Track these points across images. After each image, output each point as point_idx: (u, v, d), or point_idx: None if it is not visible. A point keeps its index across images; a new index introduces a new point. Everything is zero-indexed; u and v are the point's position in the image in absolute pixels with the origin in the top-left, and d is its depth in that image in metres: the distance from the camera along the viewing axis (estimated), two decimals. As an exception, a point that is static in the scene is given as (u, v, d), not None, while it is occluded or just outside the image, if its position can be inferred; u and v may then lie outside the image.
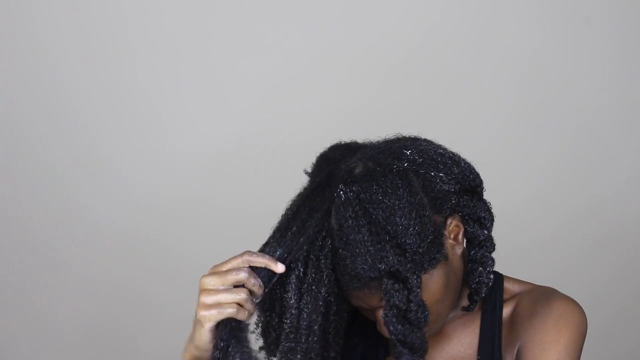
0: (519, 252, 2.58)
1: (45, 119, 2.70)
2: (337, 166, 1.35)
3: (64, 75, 2.69)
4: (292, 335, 1.31)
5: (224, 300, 1.28)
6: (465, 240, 1.40)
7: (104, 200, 2.72)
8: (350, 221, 1.28)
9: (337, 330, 1.34)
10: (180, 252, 2.73)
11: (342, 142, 1.41)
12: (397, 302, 1.28)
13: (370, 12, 2.76)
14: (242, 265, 1.29)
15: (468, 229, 1.38)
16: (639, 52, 2.82)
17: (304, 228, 1.31)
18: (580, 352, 1.38)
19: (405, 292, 1.28)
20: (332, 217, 1.30)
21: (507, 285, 1.46)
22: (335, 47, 2.75)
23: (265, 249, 1.32)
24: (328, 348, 1.33)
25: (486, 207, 1.40)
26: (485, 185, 1.41)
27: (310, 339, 1.30)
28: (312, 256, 1.30)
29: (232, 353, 1.28)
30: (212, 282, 1.29)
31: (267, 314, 1.34)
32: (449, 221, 1.36)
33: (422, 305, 1.29)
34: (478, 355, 1.43)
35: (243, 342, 1.30)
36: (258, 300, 1.31)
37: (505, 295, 1.45)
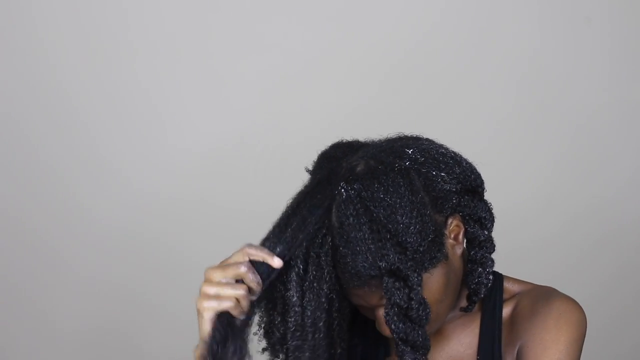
0: (518, 252, 2.58)
1: (44, 119, 2.70)
2: (339, 164, 1.35)
3: (63, 74, 2.69)
4: (298, 334, 1.31)
5: (223, 293, 1.29)
6: (465, 241, 1.40)
7: (104, 200, 2.72)
8: (351, 219, 1.28)
9: (341, 326, 1.34)
10: (180, 251, 2.73)
11: (344, 141, 1.41)
12: (398, 300, 1.28)
13: (370, 12, 2.76)
14: (242, 260, 1.30)
15: (468, 229, 1.39)
16: (639, 52, 2.82)
17: (304, 225, 1.31)
18: (581, 351, 1.38)
19: (406, 290, 1.28)
20: (333, 215, 1.30)
21: (507, 285, 1.47)
22: (335, 47, 2.75)
23: (264, 244, 1.32)
24: (334, 344, 1.33)
25: (487, 208, 1.40)
26: (485, 185, 1.41)
27: (316, 335, 1.30)
28: (312, 253, 1.31)
29: (228, 345, 1.28)
30: (214, 273, 1.30)
31: (270, 313, 1.34)
32: (449, 221, 1.36)
33: (423, 303, 1.29)
34: (478, 355, 1.43)
35: (239, 335, 1.30)
36: (254, 299, 1.31)
37: (505, 295, 1.46)
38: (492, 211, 1.41)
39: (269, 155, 2.74)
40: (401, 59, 2.75)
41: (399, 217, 1.28)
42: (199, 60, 2.73)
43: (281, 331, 1.33)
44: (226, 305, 1.28)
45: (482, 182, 1.40)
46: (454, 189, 1.36)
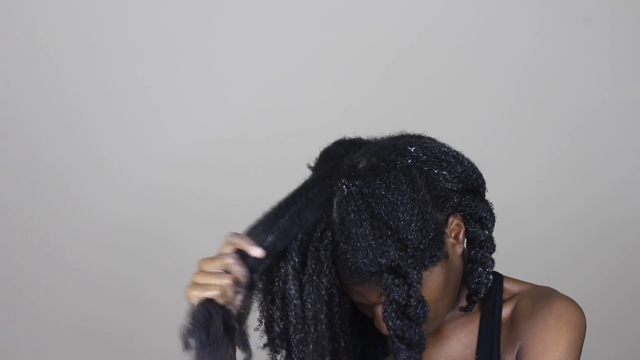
0: (517, 251, 2.58)
1: (42, 114, 2.70)
2: (341, 161, 1.35)
3: (61, 69, 2.69)
4: (299, 327, 1.31)
5: (209, 282, 1.30)
6: (465, 240, 1.40)
7: (103, 196, 2.72)
8: (352, 215, 1.28)
9: (343, 320, 1.34)
10: (181, 247, 2.72)
11: (347, 138, 1.41)
12: (396, 297, 1.28)
13: (370, 11, 2.76)
14: (229, 250, 1.31)
15: (469, 228, 1.39)
16: (638, 52, 2.82)
17: (299, 217, 1.31)
18: (580, 351, 1.38)
19: (405, 287, 1.28)
20: (334, 211, 1.30)
21: (507, 285, 1.47)
22: (334, 45, 2.75)
23: (251, 233, 1.32)
24: (337, 337, 1.34)
25: (488, 208, 1.40)
26: (486, 185, 1.41)
27: (318, 327, 1.31)
28: (311, 247, 1.31)
29: (211, 334, 1.29)
30: (204, 264, 1.31)
31: (269, 307, 1.34)
32: (450, 220, 1.36)
33: (421, 301, 1.29)
34: (476, 355, 1.43)
35: (219, 323, 1.31)
36: (241, 290, 1.32)
37: (505, 296, 1.46)
38: (493, 211, 1.41)
39: (268, 150, 2.74)
40: (400, 57, 2.75)
41: (400, 214, 1.28)
42: (198, 57, 2.73)
43: (281, 325, 1.33)
44: (209, 293, 1.29)
45: (483, 181, 1.40)
46: (456, 188, 1.36)
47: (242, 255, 1.31)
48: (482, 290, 1.41)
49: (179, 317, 1.32)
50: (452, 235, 1.36)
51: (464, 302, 1.44)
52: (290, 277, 1.31)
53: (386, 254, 1.27)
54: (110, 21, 2.69)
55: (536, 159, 2.82)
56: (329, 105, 2.72)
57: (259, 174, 2.74)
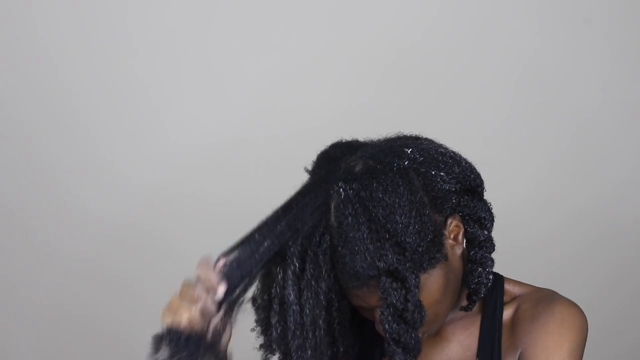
0: (517, 251, 2.57)
1: (42, 114, 2.69)
2: (337, 164, 1.34)
3: (61, 69, 2.69)
4: (298, 332, 1.30)
5: (180, 308, 1.30)
6: (465, 241, 1.39)
7: (103, 196, 2.72)
8: (349, 219, 1.27)
9: (342, 324, 1.34)
10: (179, 247, 2.72)
11: (343, 141, 1.40)
12: (394, 301, 1.27)
13: (369, 11, 2.75)
14: (201, 281, 1.30)
15: (468, 229, 1.38)
16: (638, 52, 2.82)
17: (295, 222, 1.31)
18: (582, 355, 1.38)
19: (403, 292, 1.28)
20: (332, 215, 1.29)
21: (508, 287, 1.46)
22: (334, 45, 2.74)
23: (249, 240, 1.31)
24: (336, 342, 1.34)
25: (486, 208, 1.39)
26: (484, 185, 1.41)
27: (317, 334, 1.30)
28: (309, 252, 1.30)
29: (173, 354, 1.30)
30: (183, 287, 1.32)
31: (266, 310, 1.34)
32: (449, 221, 1.35)
33: (418, 305, 1.29)
34: (477, 357, 1.42)
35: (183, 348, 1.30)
36: (214, 315, 1.31)
37: (506, 298, 1.45)
38: (492, 211, 1.40)
39: (268, 150, 2.74)
40: (400, 58, 2.74)
41: (397, 217, 1.27)
42: (199, 57, 2.72)
43: (279, 331, 1.32)
44: (179, 319, 1.29)
45: (481, 182, 1.40)
46: (454, 189, 1.36)
47: (231, 267, 1.31)
48: (483, 290, 1.40)
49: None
50: (451, 236, 1.36)
51: (464, 302, 1.43)
52: (290, 282, 1.30)
53: (384, 257, 1.27)
54: (111, 21, 2.69)
55: (536, 159, 2.82)
56: (328, 106, 2.72)
57: (259, 174, 2.74)
